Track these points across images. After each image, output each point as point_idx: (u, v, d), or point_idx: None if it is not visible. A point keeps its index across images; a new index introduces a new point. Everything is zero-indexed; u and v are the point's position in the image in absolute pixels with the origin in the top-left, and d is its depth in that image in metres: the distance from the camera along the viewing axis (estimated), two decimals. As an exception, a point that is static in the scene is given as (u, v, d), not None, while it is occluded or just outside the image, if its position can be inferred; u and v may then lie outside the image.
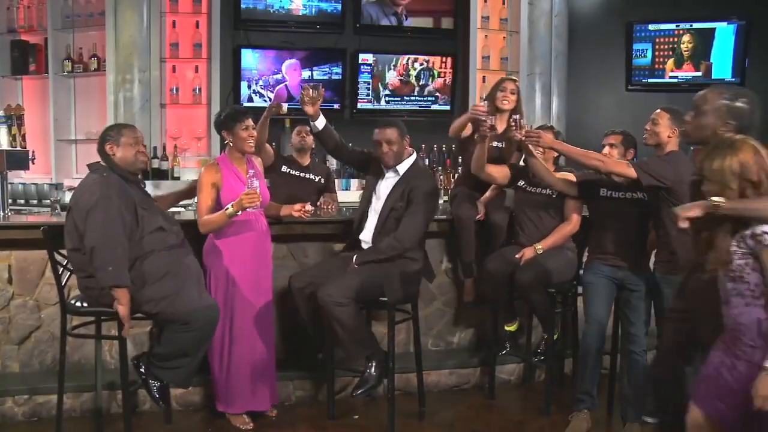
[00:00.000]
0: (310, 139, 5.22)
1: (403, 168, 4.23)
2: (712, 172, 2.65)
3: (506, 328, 4.72)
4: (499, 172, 4.55)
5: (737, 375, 2.62)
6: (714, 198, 2.62)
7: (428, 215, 4.21)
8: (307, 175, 5.31)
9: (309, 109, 4.30)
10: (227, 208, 3.88)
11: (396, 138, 4.20)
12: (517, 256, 4.38)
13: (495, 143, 4.69)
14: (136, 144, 3.78)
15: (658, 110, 4.00)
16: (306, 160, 5.34)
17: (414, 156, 4.30)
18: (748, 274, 2.60)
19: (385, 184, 4.26)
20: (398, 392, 4.34)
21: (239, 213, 3.88)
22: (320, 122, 4.38)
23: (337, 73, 7.00)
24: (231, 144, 4.08)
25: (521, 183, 4.57)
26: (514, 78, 4.96)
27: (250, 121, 4.05)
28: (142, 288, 3.63)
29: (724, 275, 2.67)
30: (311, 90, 4.31)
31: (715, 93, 3.15)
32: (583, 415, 4.18)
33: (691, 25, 7.08)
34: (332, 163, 6.59)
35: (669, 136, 3.95)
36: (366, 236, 4.26)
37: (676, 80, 7.19)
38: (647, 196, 4.10)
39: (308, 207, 4.25)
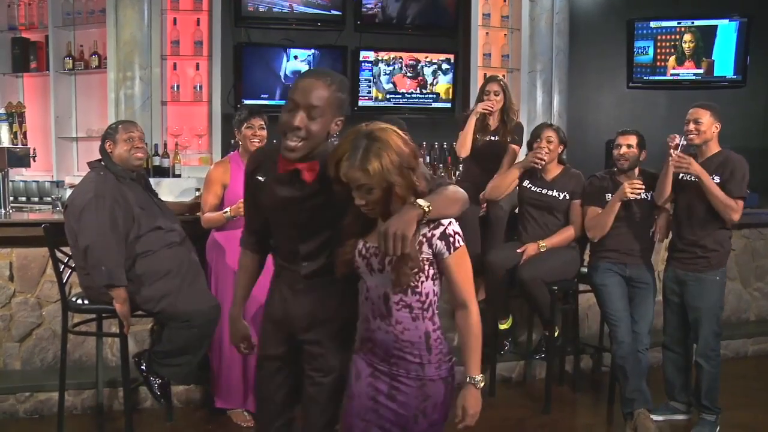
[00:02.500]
0: None
1: None
2: (374, 177, 2.20)
3: (500, 327, 4.71)
4: (513, 184, 4.59)
5: (404, 398, 2.35)
6: (420, 202, 2.24)
7: None
8: None
9: None
10: (225, 211, 3.94)
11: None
12: (519, 250, 4.40)
13: (489, 137, 4.72)
14: (130, 141, 3.78)
15: (696, 108, 3.99)
16: None
17: None
18: (422, 282, 2.31)
19: None
20: (399, 389, 4.34)
21: (235, 217, 3.91)
22: None
23: (337, 71, 6.98)
24: (240, 142, 4.13)
25: (526, 183, 4.57)
26: (499, 78, 4.92)
27: (256, 121, 4.07)
28: (142, 287, 3.64)
29: (399, 298, 2.32)
30: None
31: (324, 85, 2.39)
32: (643, 415, 4.06)
33: (692, 23, 7.07)
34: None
35: (713, 132, 3.97)
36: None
37: (677, 78, 7.18)
38: (652, 195, 4.15)
39: None
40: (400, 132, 2.28)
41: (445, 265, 2.30)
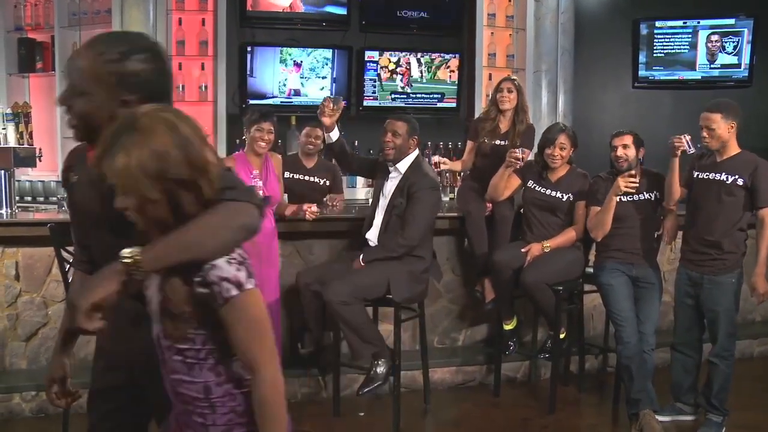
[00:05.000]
0: (319, 142, 5.17)
1: (404, 166, 4.23)
2: (118, 177, 1.67)
3: (505, 327, 4.71)
4: (513, 186, 4.60)
5: None
6: (125, 252, 1.69)
7: (431, 210, 4.21)
8: (312, 179, 5.30)
9: (326, 120, 4.31)
10: None
11: (404, 132, 4.21)
12: (523, 249, 4.40)
13: (498, 141, 4.73)
14: None
15: (706, 113, 3.92)
16: (311, 163, 5.33)
17: (415, 154, 4.30)
18: (194, 331, 1.73)
19: (390, 184, 4.28)
20: (404, 389, 4.36)
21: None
22: (334, 134, 4.40)
23: (342, 71, 6.99)
24: (247, 141, 4.15)
25: (530, 183, 4.58)
26: (512, 77, 4.97)
27: (265, 125, 4.08)
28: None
29: (168, 342, 1.78)
30: (332, 102, 4.29)
31: (91, 54, 1.91)
32: (648, 415, 4.04)
33: (698, 22, 7.06)
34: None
35: (729, 132, 3.92)
36: (372, 235, 4.27)
37: (683, 78, 7.17)
38: (656, 196, 4.15)
39: (314, 208, 4.26)
40: (184, 125, 1.70)
41: (220, 317, 1.70)
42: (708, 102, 4.06)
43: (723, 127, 3.90)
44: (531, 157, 4.79)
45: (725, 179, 3.92)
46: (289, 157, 5.39)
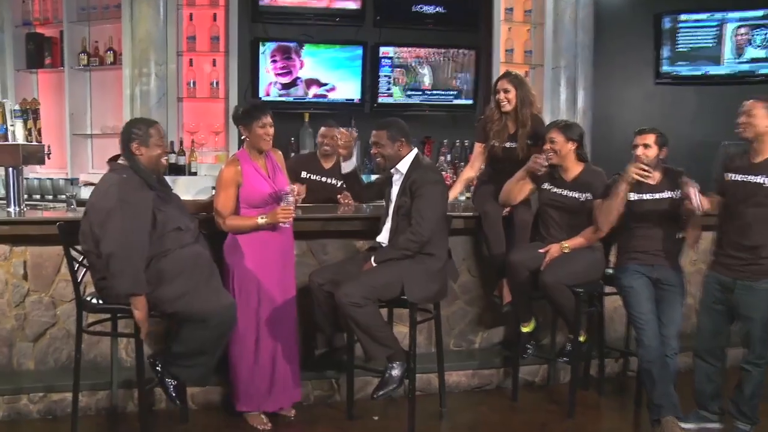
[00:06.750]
0: (333, 142, 5.14)
1: (404, 167, 4.21)
2: None
3: (522, 329, 4.67)
4: (526, 190, 4.59)
5: None
6: None
7: (437, 203, 4.16)
8: (328, 180, 5.28)
9: (343, 152, 4.49)
10: (261, 217, 3.98)
11: (384, 140, 4.18)
12: (541, 250, 4.37)
13: (508, 144, 4.70)
14: (162, 144, 3.80)
15: (750, 101, 3.85)
16: (330, 163, 5.31)
17: (414, 153, 4.26)
18: None
19: (395, 188, 4.27)
20: (419, 393, 4.33)
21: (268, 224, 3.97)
22: (349, 164, 4.53)
23: (355, 67, 6.99)
24: (248, 140, 4.11)
25: (545, 185, 4.55)
26: (510, 73, 4.85)
27: (267, 119, 4.05)
28: (158, 288, 3.63)
29: None
30: (343, 137, 4.47)
31: None
32: (671, 422, 3.99)
33: (725, 15, 6.99)
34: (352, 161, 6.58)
35: (767, 126, 3.83)
36: (383, 238, 4.27)
37: (707, 73, 7.11)
38: (679, 194, 4.08)
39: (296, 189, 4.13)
40: None
41: None
42: (739, 96, 3.99)
43: (763, 118, 3.79)
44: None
45: (762, 182, 3.85)
46: (306, 157, 5.36)
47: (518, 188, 4.55)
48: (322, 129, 5.35)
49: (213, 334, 3.70)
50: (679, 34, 7.15)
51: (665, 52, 7.21)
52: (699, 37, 7.11)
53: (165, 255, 3.67)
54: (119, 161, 3.79)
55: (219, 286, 3.86)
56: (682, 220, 4.19)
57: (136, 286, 3.55)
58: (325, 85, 6.93)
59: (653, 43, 7.25)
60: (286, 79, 6.84)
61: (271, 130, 4.08)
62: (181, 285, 3.66)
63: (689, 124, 6.92)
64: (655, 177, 4.16)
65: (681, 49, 7.16)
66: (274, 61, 6.78)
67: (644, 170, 4.04)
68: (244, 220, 4.03)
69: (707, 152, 4.06)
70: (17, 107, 4.74)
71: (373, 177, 6.64)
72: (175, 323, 3.91)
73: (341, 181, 5.19)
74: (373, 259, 4.10)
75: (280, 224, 4.00)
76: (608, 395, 4.82)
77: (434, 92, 7.15)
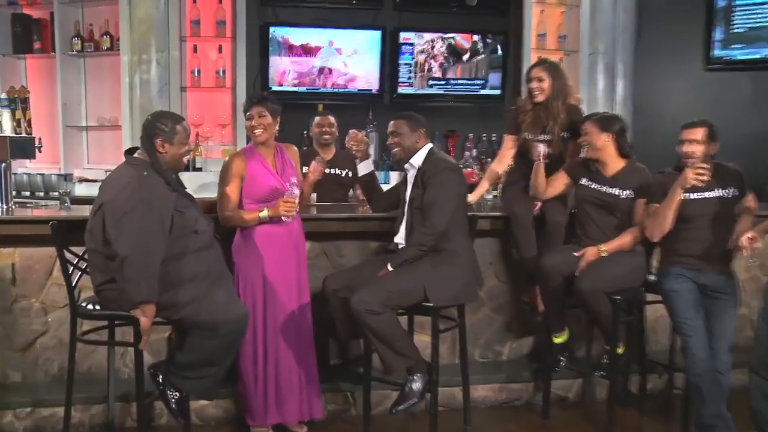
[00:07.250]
0: (334, 129, 5.31)
1: (418, 161, 4.27)
2: None
3: (554, 340, 4.65)
4: (559, 186, 4.57)
5: None
6: None
7: (451, 192, 4.17)
8: (333, 171, 5.31)
9: (358, 154, 4.81)
10: (262, 210, 4.01)
11: (404, 129, 4.26)
12: (577, 254, 4.35)
13: (542, 136, 4.69)
14: (188, 143, 3.81)
15: None
16: (329, 154, 5.36)
17: (428, 146, 4.30)
18: None
19: (409, 185, 4.29)
20: (441, 408, 4.33)
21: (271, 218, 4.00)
22: (364, 167, 4.73)
23: (375, 54, 6.99)
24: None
25: (584, 180, 4.53)
26: (544, 60, 4.90)
27: (253, 110, 4.07)
28: (167, 292, 3.63)
29: None
30: (355, 144, 4.82)
31: None
32: None
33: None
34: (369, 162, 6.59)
35: None
36: (400, 238, 4.28)
37: (765, 57, 7.00)
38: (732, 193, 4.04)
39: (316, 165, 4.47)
40: None
41: None
42: None
43: None
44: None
45: None
46: (305, 153, 5.37)
47: (542, 181, 4.57)
48: (317, 119, 5.42)
49: (222, 343, 3.70)
50: (735, 14, 7.02)
51: (717, 34, 7.10)
52: (758, 17, 6.99)
53: (178, 258, 3.67)
54: (136, 155, 3.79)
55: (232, 293, 3.88)
56: (735, 219, 4.15)
57: (151, 294, 3.56)
58: (344, 74, 6.94)
59: (704, 24, 7.16)
60: (298, 68, 6.85)
61: (262, 121, 4.08)
62: (193, 290, 3.66)
63: (743, 114, 6.82)
64: None
65: (737, 30, 7.03)
66: (285, 48, 6.80)
67: (702, 173, 4.01)
68: (246, 213, 4.05)
69: (764, 146, 4.01)
70: (4, 96, 4.77)
71: (393, 174, 6.66)
72: (179, 330, 3.91)
73: (346, 170, 5.31)
74: (389, 264, 4.10)
75: (283, 218, 4.03)
76: (650, 414, 4.79)
77: (459, 81, 7.14)
